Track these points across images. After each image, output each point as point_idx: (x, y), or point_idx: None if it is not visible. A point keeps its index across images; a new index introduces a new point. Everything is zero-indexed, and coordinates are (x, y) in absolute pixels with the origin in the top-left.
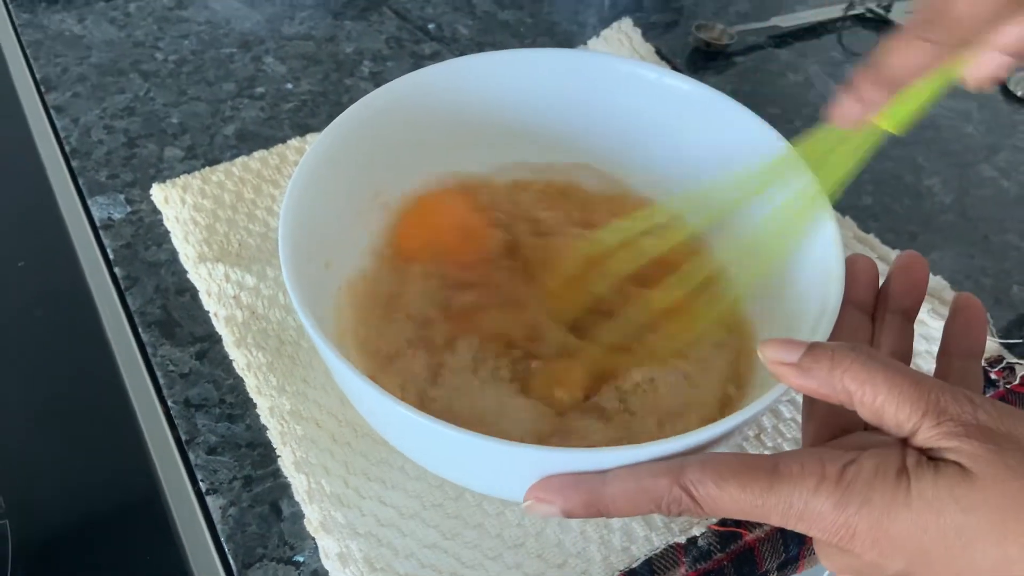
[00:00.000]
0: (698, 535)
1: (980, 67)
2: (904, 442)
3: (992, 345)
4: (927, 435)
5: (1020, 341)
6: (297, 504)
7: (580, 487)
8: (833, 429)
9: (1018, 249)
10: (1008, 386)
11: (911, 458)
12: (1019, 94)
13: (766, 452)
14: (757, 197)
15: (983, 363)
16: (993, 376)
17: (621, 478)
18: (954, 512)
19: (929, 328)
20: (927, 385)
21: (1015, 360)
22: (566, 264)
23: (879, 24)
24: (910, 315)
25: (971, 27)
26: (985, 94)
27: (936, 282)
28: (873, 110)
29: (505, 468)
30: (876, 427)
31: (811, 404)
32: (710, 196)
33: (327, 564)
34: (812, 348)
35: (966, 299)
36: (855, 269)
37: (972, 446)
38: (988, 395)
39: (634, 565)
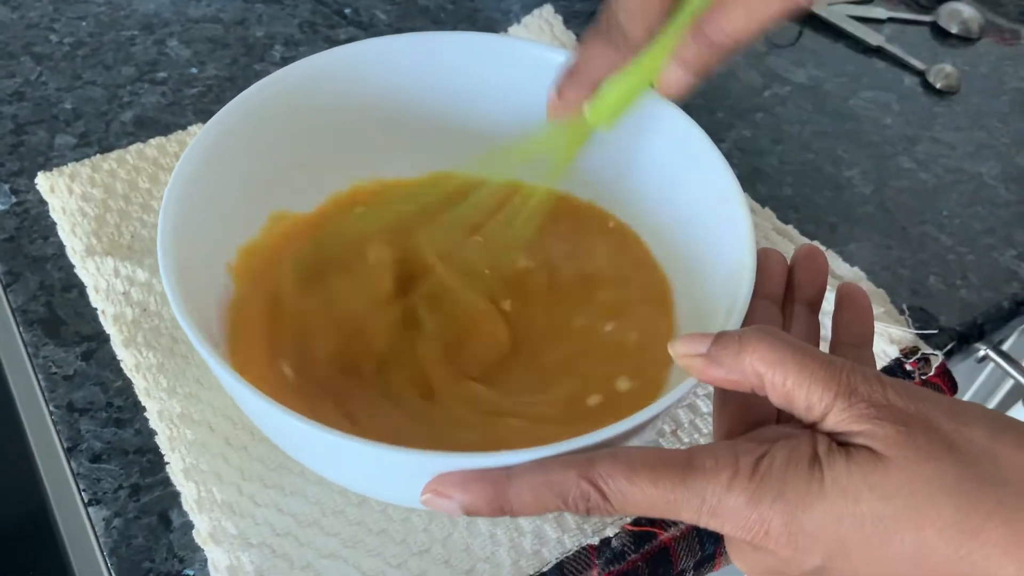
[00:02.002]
0: (612, 535)
1: (667, 75)
2: (813, 428)
3: (907, 336)
4: (838, 418)
5: (935, 332)
6: (188, 514)
7: (483, 481)
8: (745, 423)
9: (935, 240)
10: (924, 376)
11: (822, 445)
12: (938, 86)
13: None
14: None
15: (899, 354)
16: (908, 367)
17: (528, 471)
18: (870, 500)
19: None
20: (837, 366)
21: (930, 351)
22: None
23: (807, 16)
24: (815, 306)
25: (636, 35)
26: (905, 86)
27: (853, 273)
28: (575, 106)
29: (399, 474)
30: (787, 416)
31: (723, 398)
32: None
33: None
34: (720, 336)
35: (851, 288)
36: (766, 262)
37: (884, 429)
38: None
39: (545, 569)
